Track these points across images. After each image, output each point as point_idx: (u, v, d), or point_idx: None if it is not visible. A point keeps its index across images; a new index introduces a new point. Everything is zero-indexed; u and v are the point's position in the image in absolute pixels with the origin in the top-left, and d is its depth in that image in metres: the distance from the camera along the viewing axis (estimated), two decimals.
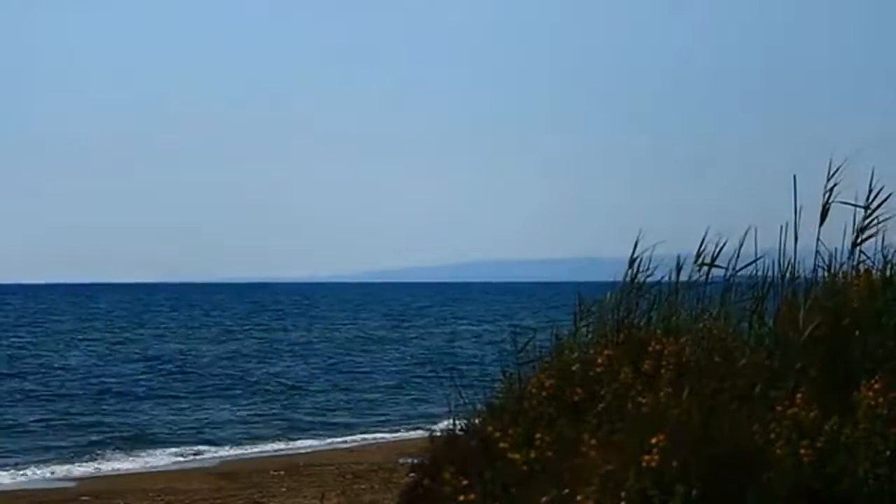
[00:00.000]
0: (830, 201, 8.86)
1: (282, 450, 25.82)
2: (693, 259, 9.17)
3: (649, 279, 9.18)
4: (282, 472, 21.15)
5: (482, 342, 57.39)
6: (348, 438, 27.78)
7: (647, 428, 7.35)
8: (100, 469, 23.21)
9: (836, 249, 9.04)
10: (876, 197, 8.83)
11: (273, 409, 32.91)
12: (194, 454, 25.03)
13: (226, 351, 54.05)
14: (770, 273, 8.98)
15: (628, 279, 9.16)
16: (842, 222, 8.98)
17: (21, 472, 22.58)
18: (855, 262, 9.00)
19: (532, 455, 7.57)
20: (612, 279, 9.38)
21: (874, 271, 8.93)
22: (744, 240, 9.06)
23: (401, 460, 20.03)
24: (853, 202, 8.89)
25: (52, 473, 22.63)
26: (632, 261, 9.18)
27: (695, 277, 9.19)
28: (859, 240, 9.00)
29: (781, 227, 8.95)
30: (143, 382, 39.72)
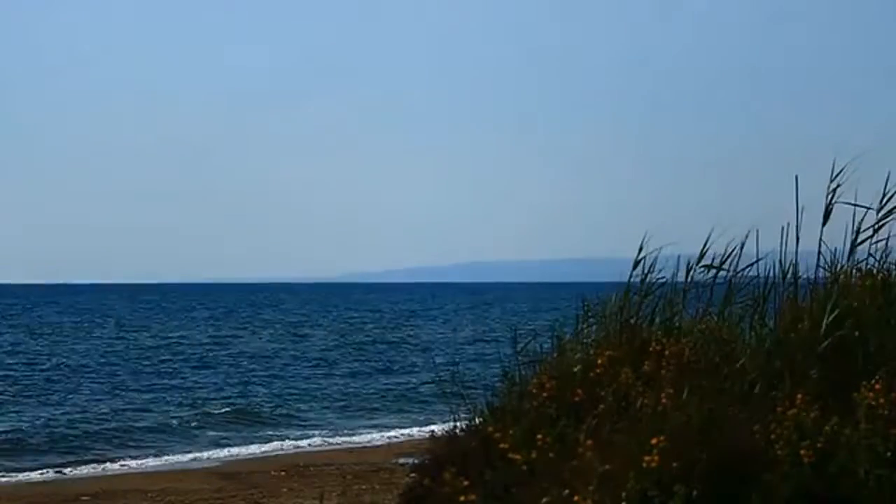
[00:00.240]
0: (833, 202, 8.86)
1: (282, 450, 25.82)
2: (696, 260, 9.18)
3: (653, 280, 9.18)
4: (282, 473, 21.15)
5: (483, 342, 57.38)
6: (349, 439, 27.78)
7: (647, 429, 7.35)
8: (100, 469, 23.20)
9: (835, 250, 9.05)
10: (889, 199, 8.84)
11: (273, 408, 32.90)
12: (194, 454, 25.03)
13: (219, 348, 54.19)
14: (771, 274, 8.98)
15: (632, 280, 9.16)
16: (843, 223, 9.00)
17: (21, 472, 22.57)
18: (856, 263, 9.01)
19: (533, 455, 7.56)
20: (610, 280, 9.39)
21: (875, 272, 8.93)
22: (745, 241, 9.07)
23: (401, 460, 20.04)
24: (855, 203, 8.90)
25: (52, 473, 22.62)
26: (636, 262, 9.18)
27: (697, 278, 9.20)
28: (859, 240, 9.00)
29: (783, 228, 8.96)
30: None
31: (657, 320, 9.00)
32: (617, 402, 7.95)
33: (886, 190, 8.87)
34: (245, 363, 47.53)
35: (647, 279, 9.17)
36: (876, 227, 8.91)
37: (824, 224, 8.94)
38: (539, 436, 7.65)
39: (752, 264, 9.11)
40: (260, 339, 63.94)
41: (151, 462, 24.10)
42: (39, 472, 22.72)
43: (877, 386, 7.54)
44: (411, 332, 69.81)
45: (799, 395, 7.58)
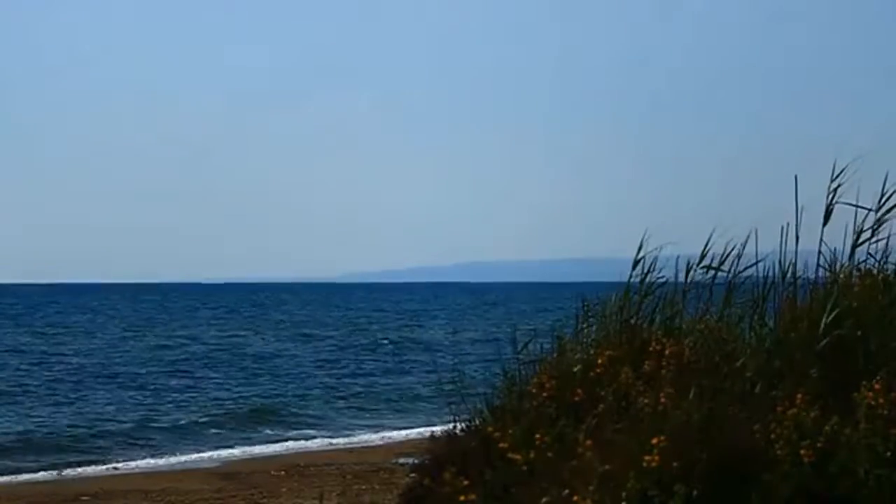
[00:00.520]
0: (834, 202, 8.87)
1: (282, 450, 25.81)
2: (696, 260, 9.18)
3: (653, 280, 9.19)
4: (282, 473, 21.14)
5: (483, 342, 57.36)
6: (348, 438, 27.78)
7: (647, 429, 7.36)
8: (100, 469, 23.20)
9: (835, 250, 9.05)
10: (888, 199, 8.84)
11: (275, 409, 32.90)
12: (195, 454, 25.03)
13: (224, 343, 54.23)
14: (771, 274, 8.99)
15: (632, 280, 9.17)
16: (843, 223, 9.00)
17: (21, 472, 22.57)
18: (856, 263, 9.01)
19: (532, 455, 7.57)
20: (610, 280, 9.39)
21: (875, 272, 8.94)
22: (745, 241, 9.07)
23: (401, 460, 20.02)
24: (855, 203, 8.91)
25: (53, 473, 22.62)
26: (636, 262, 9.19)
27: (698, 279, 9.20)
28: (860, 240, 9.01)
29: (782, 228, 8.96)
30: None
31: (657, 320, 9.00)
32: (617, 401, 7.96)
33: (885, 190, 8.88)
34: (249, 363, 47.52)
35: (647, 279, 9.18)
36: (875, 227, 8.91)
37: (825, 224, 8.95)
38: (539, 436, 7.65)
39: (752, 264, 9.12)
40: (265, 339, 63.90)
41: (151, 462, 24.09)
42: (39, 472, 22.71)
43: (877, 386, 7.54)
44: (413, 333, 69.78)
45: (799, 395, 7.58)
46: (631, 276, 9.20)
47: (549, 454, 7.54)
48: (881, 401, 7.46)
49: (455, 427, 8.58)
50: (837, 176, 8.79)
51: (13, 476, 22.20)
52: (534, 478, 7.46)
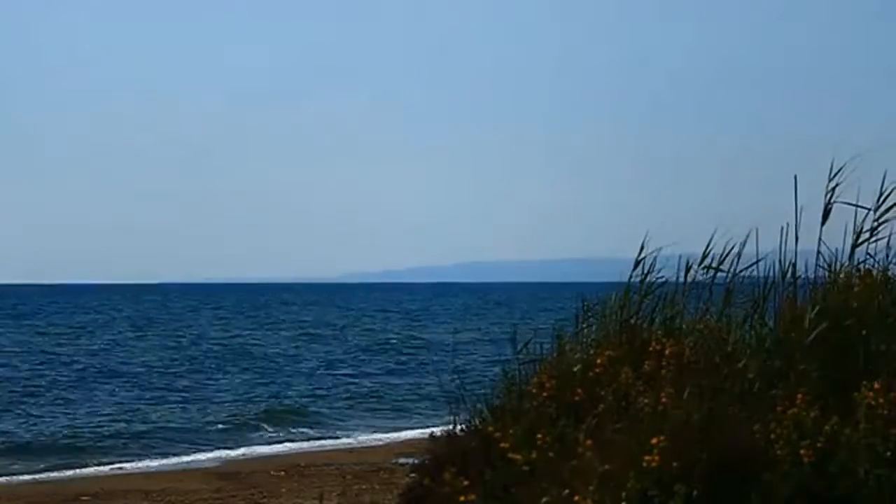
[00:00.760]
0: (832, 202, 8.86)
1: (282, 450, 25.81)
2: (696, 260, 9.18)
3: (653, 280, 9.19)
4: (282, 473, 21.14)
5: (483, 342, 57.37)
6: (348, 438, 27.78)
7: (647, 428, 7.36)
8: (100, 469, 23.20)
9: (836, 249, 9.05)
10: (886, 199, 8.84)
11: (271, 408, 32.89)
12: (195, 454, 25.03)
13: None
14: (771, 274, 8.99)
15: (632, 280, 9.17)
16: (843, 223, 9.00)
17: (21, 472, 22.57)
18: (856, 263, 9.01)
19: (533, 455, 7.57)
20: (610, 280, 9.39)
21: (875, 272, 8.93)
22: (745, 241, 9.07)
23: (401, 460, 20.02)
24: (855, 203, 8.90)
25: (53, 473, 22.61)
26: (636, 262, 9.19)
27: (698, 278, 9.20)
28: (859, 240, 9.00)
29: (782, 228, 8.96)
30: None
31: (657, 320, 9.00)
32: (617, 401, 7.96)
33: (884, 189, 8.88)
34: (254, 363, 47.50)
35: (647, 279, 9.18)
36: (874, 226, 8.91)
37: (823, 224, 8.94)
38: (539, 435, 7.65)
39: (752, 264, 9.12)
40: (270, 339, 63.88)
41: (151, 462, 24.09)
42: (39, 472, 22.71)
43: (877, 386, 7.54)
44: (418, 333, 69.71)
45: (799, 395, 7.58)
46: (631, 276, 9.20)
47: (550, 454, 7.54)
48: (881, 401, 7.46)
49: (455, 427, 8.58)
50: (835, 175, 8.79)
51: (14, 476, 22.20)
52: (534, 478, 7.46)
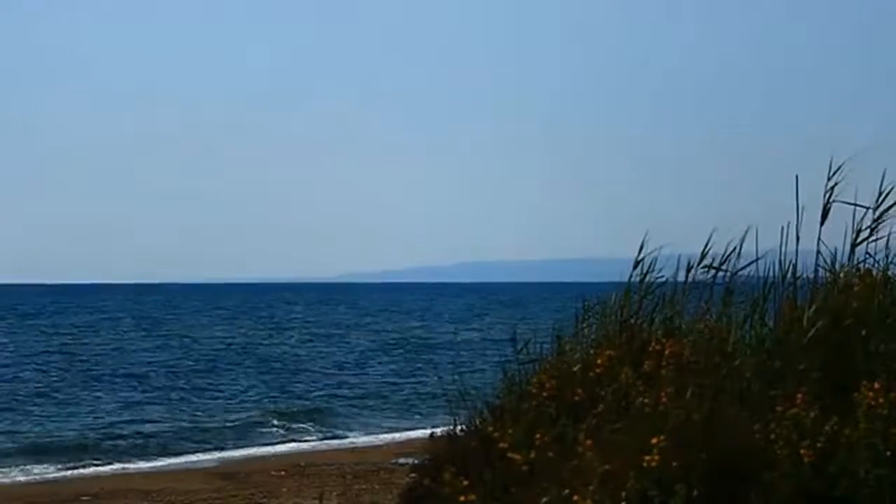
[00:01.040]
0: (831, 201, 8.86)
1: (282, 450, 25.81)
2: (696, 260, 9.18)
3: (653, 280, 9.19)
4: (282, 473, 21.14)
5: (483, 342, 57.37)
6: (348, 438, 27.79)
7: (647, 428, 7.36)
8: (100, 469, 23.20)
9: (836, 249, 9.05)
10: (885, 198, 8.84)
11: (271, 409, 32.89)
12: (195, 454, 25.03)
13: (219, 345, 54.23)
14: (771, 273, 8.99)
15: (632, 280, 9.17)
16: (843, 222, 9.00)
17: (20, 472, 22.57)
18: (855, 263, 9.00)
19: (532, 455, 7.57)
20: (610, 280, 9.39)
21: (875, 271, 8.93)
22: (745, 240, 9.07)
23: (401, 460, 20.03)
24: (853, 202, 8.90)
25: (53, 473, 22.62)
26: (636, 262, 9.19)
27: (698, 278, 9.20)
28: (859, 240, 9.00)
29: (782, 228, 8.96)
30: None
31: (657, 320, 9.00)
32: (617, 401, 7.95)
33: (882, 188, 8.87)
34: (256, 364, 47.50)
35: (647, 279, 9.18)
36: (873, 226, 8.91)
37: (822, 223, 8.93)
38: (539, 435, 7.65)
39: (751, 263, 9.11)
40: (277, 339, 63.86)
41: (151, 462, 24.10)
42: (40, 472, 22.72)
43: (877, 386, 7.54)
44: (424, 333, 69.70)
45: (799, 395, 7.58)
46: (631, 276, 9.20)
47: (549, 454, 7.54)
48: (881, 401, 7.46)
49: (455, 427, 8.58)
50: (834, 174, 8.79)
51: (13, 476, 22.21)
52: (534, 478, 7.46)
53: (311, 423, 29.92)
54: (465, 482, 7.46)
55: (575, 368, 8.46)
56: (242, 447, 26.04)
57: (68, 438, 26.93)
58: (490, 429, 8.06)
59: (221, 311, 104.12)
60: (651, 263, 9.20)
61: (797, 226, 8.92)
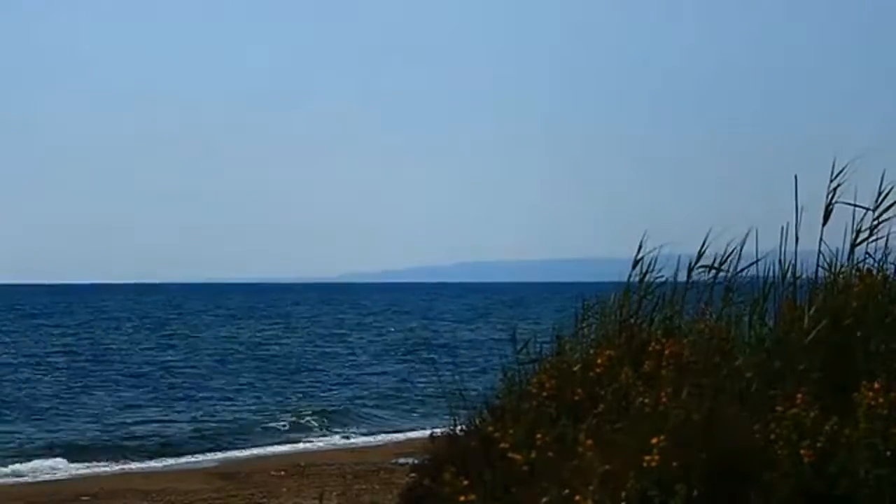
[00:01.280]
0: (833, 202, 8.86)
1: (282, 450, 25.82)
2: (695, 260, 9.18)
3: (653, 280, 9.19)
4: (282, 473, 21.17)
5: (483, 342, 57.39)
6: (348, 438, 27.80)
7: (647, 428, 7.36)
8: (100, 469, 23.22)
9: (836, 250, 9.05)
10: (885, 198, 8.84)
11: (273, 410, 32.91)
12: (195, 454, 25.04)
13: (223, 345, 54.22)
14: (771, 274, 8.99)
15: (632, 280, 9.17)
16: (843, 223, 9.00)
17: (20, 472, 22.59)
18: (855, 263, 9.01)
19: (532, 455, 7.57)
20: (611, 280, 9.39)
21: (874, 271, 8.94)
22: (745, 241, 9.08)
23: (401, 460, 20.05)
24: (854, 203, 8.90)
25: (53, 473, 22.63)
26: (635, 262, 9.19)
27: (697, 278, 9.20)
28: (859, 240, 9.01)
29: (782, 228, 8.96)
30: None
31: (656, 320, 9.01)
32: (617, 401, 7.95)
33: (882, 189, 8.88)
34: (259, 364, 47.54)
35: (647, 279, 9.18)
36: (873, 226, 8.91)
37: (824, 224, 8.94)
38: (539, 435, 7.65)
39: (751, 264, 9.12)
40: (284, 339, 63.86)
41: (152, 462, 24.11)
42: (40, 472, 22.73)
43: (877, 386, 7.54)
44: (426, 332, 69.68)
45: (799, 395, 7.58)
46: (630, 276, 9.20)
47: (550, 454, 7.54)
48: (881, 401, 7.45)
49: (455, 427, 8.58)
50: (836, 175, 8.79)
51: (14, 476, 22.22)
52: (534, 478, 7.46)
53: (311, 423, 29.94)
54: (465, 482, 7.45)
55: (575, 368, 8.46)
56: (242, 447, 26.05)
57: (69, 438, 26.95)
58: (490, 429, 8.06)
59: (223, 311, 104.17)
60: (651, 263, 9.21)
61: (797, 226, 8.93)
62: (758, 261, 9.10)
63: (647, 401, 7.75)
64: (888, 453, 7.30)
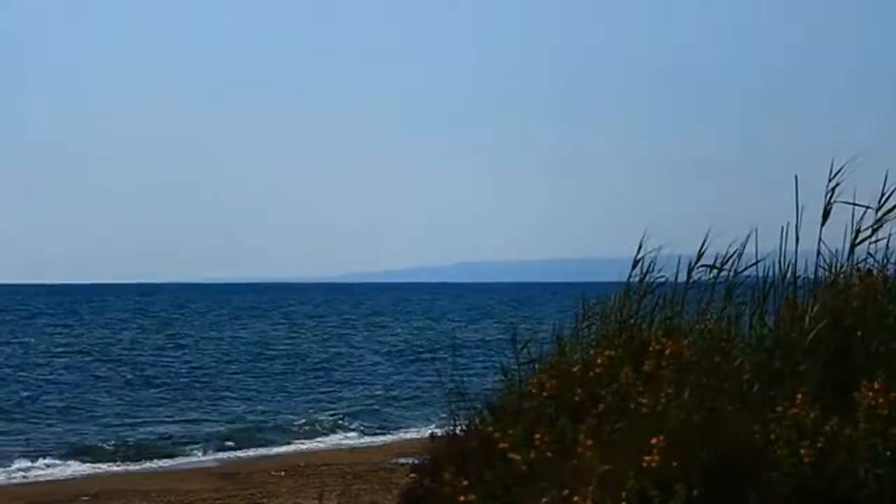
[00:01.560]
0: (832, 202, 8.87)
1: (282, 450, 25.81)
2: (695, 260, 9.18)
3: (653, 280, 9.19)
4: (282, 473, 21.15)
5: (483, 342, 57.37)
6: (348, 439, 27.80)
7: (647, 428, 7.36)
8: (100, 469, 23.21)
9: (836, 250, 9.05)
10: (887, 199, 8.84)
11: (277, 409, 32.92)
12: (195, 455, 25.04)
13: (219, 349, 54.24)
14: (771, 274, 8.99)
15: (632, 280, 9.17)
16: (843, 223, 9.00)
17: (20, 472, 22.58)
18: (855, 263, 9.01)
19: (532, 455, 7.57)
20: (611, 280, 9.40)
21: (875, 272, 8.94)
22: (745, 241, 9.08)
23: (401, 460, 20.04)
24: (854, 202, 8.90)
25: (53, 473, 22.63)
26: (635, 262, 9.19)
27: (697, 278, 9.20)
28: (859, 240, 9.01)
29: (782, 228, 8.97)
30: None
31: (657, 320, 9.01)
32: (617, 401, 7.96)
33: (885, 189, 8.88)
34: (261, 364, 47.52)
35: (647, 279, 9.18)
36: (875, 226, 8.91)
37: (823, 224, 8.94)
38: (538, 435, 7.65)
39: (752, 264, 9.12)
40: (290, 339, 63.81)
41: (152, 462, 24.10)
42: (39, 472, 22.73)
43: (877, 386, 7.54)
44: (431, 333, 69.65)
45: (799, 395, 7.58)
46: (630, 276, 9.20)
47: (549, 454, 7.54)
48: (881, 401, 7.46)
49: (455, 427, 8.58)
50: (836, 175, 8.80)
51: (14, 476, 22.22)
52: (534, 478, 7.46)
53: (316, 424, 29.93)
54: (465, 482, 7.46)
55: (575, 368, 8.46)
56: (242, 447, 26.04)
57: (69, 438, 26.95)
58: (490, 429, 8.07)
59: (227, 311, 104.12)
60: (651, 263, 9.21)
61: (797, 226, 8.93)
62: (758, 261, 9.10)
63: (646, 401, 7.75)
64: (888, 453, 7.31)
